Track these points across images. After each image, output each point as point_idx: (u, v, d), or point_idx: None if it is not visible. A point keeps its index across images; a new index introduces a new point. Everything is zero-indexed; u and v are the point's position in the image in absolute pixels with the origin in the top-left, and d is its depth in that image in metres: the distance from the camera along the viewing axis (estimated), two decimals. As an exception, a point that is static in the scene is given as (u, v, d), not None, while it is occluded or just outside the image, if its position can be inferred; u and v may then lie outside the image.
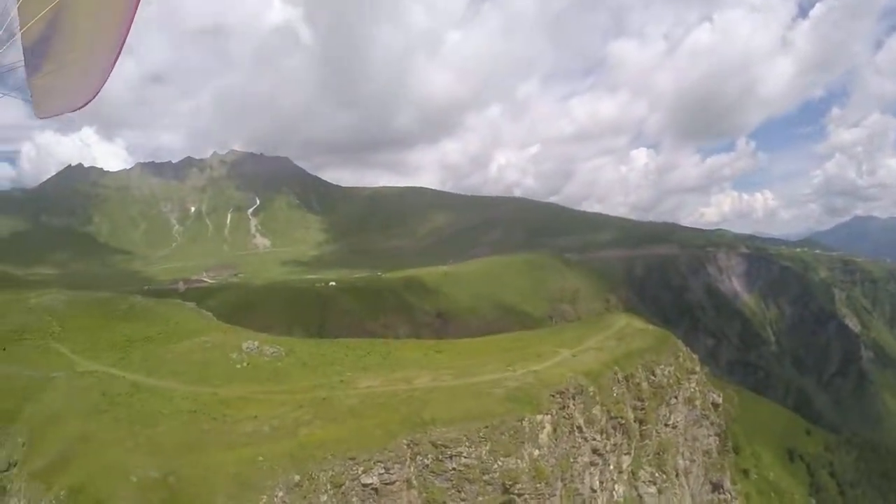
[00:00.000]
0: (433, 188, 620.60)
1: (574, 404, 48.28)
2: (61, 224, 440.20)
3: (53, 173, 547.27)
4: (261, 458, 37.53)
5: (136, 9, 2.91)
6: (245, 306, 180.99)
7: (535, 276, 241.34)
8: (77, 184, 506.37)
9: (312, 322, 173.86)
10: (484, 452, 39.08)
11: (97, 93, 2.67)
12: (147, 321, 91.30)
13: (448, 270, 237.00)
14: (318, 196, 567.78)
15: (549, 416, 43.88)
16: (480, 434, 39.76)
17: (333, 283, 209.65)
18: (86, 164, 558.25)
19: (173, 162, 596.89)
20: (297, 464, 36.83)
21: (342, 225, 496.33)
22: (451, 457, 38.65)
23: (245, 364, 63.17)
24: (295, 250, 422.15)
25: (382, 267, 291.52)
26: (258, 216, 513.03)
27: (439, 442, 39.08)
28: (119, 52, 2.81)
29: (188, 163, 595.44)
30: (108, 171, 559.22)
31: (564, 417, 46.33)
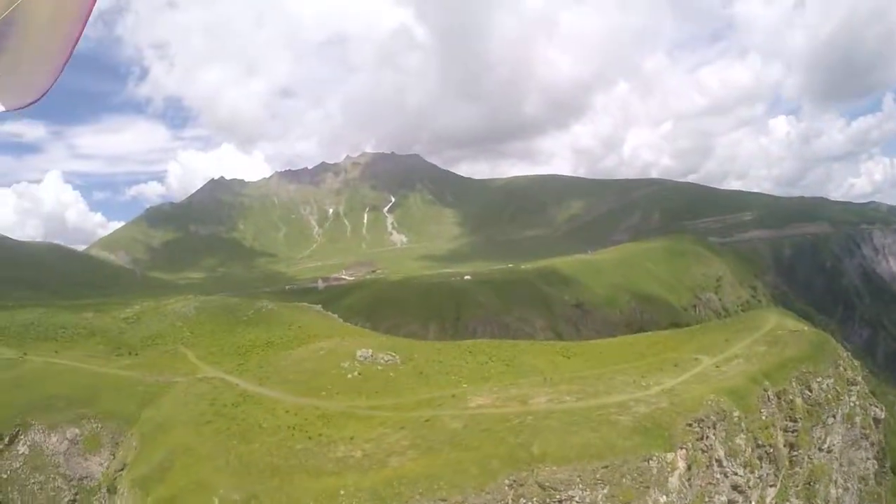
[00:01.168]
0: (567, 175, 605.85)
1: (714, 434, 40.00)
2: (209, 232, 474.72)
3: (199, 187, 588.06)
4: (342, 493, 33.60)
5: (91, 11, 3.16)
6: (381, 302, 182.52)
7: (676, 264, 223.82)
8: (221, 195, 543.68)
9: (448, 316, 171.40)
10: (600, 498, 32.18)
11: (45, 93, 3.08)
12: (271, 326, 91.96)
13: (586, 259, 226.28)
14: (452, 190, 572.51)
15: (683, 451, 36.21)
16: (598, 475, 32.89)
17: (468, 277, 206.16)
18: (228, 177, 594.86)
19: (309, 168, 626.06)
20: (380, 503, 32.49)
21: (477, 217, 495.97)
22: (559, 502, 32.29)
23: (356, 374, 60.25)
24: (431, 245, 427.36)
25: (518, 258, 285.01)
26: (394, 213, 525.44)
27: (547, 483, 32.63)
28: (71, 53, 3.13)
29: (323, 168, 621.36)
30: (249, 182, 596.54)
31: (701, 451, 38.19)
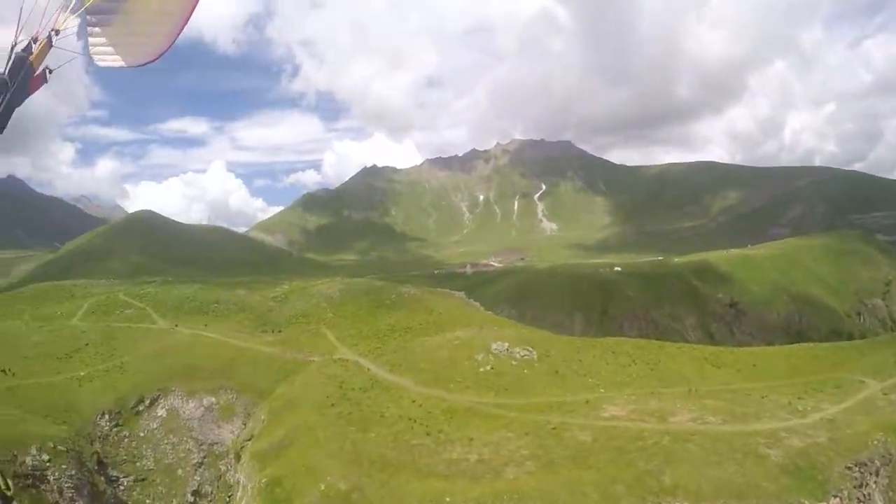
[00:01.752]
0: (723, 162, 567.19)
1: (876, 482, 31.90)
2: (361, 217, 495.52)
3: (352, 174, 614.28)
4: (447, 500, 30.28)
5: None
6: (528, 291, 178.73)
7: (840, 264, 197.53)
8: (374, 181, 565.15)
9: (594, 308, 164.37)
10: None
11: (160, 55, 3.27)
12: (411, 311, 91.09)
13: (743, 253, 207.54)
14: (603, 178, 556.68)
15: (837, 500, 28.84)
16: (734, 522, 26.99)
17: (618, 269, 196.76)
18: (380, 165, 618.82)
19: (459, 155, 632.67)
20: (485, 519, 28.73)
21: (628, 206, 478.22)
22: (684, 548, 26.63)
23: (489, 368, 56.90)
24: (581, 234, 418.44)
25: (671, 250, 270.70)
26: (544, 201, 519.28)
27: (674, 523, 27.35)
28: (187, 20, 3.31)
29: (473, 155, 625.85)
30: (400, 169, 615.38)
31: (858, 500, 30.37)
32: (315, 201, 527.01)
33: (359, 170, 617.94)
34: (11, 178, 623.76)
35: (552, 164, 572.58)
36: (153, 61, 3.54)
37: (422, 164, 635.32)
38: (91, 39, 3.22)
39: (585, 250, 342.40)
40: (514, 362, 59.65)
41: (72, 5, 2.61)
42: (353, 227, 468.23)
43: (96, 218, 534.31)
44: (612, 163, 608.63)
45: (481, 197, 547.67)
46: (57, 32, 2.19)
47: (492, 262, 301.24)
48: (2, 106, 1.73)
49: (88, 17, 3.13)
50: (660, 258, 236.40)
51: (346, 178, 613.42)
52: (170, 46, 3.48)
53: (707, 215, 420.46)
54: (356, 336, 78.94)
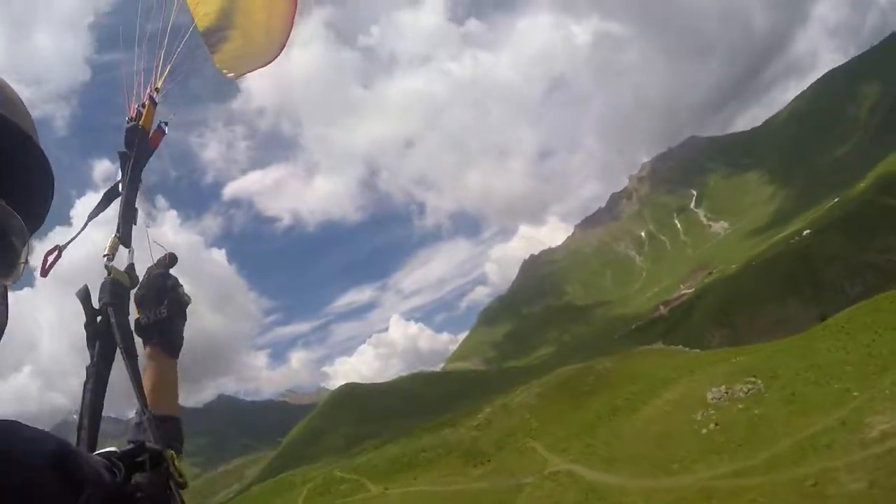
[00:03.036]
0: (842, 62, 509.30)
1: None
2: (541, 308, 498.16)
3: (516, 272, 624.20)
4: None
5: None
6: (732, 300, 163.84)
7: None
8: (538, 270, 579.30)
9: (803, 284, 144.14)
10: None
11: (282, 49, 3.48)
12: (613, 388, 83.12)
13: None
14: (744, 150, 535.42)
15: None
16: None
17: (807, 232, 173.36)
18: (536, 252, 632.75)
19: (602, 206, 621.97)
20: None
21: (781, 163, 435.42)
22: None
23: (711, 426, 48.21)
24: (752, 217, 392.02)
25: (849, 181, 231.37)
26: (701, 204, 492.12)
27: None
28: (291, 27, 3.49)
29: (614, 198, 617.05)
30: (556, 247, 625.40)
31: None
32: (493, 313, 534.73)
33: (520, 266, 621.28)
34: (222, 397, 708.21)
35: (690, 165, 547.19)
36: (276, 57, 3.68)
37: (573, 232, 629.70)
38: (216, 57, 3.33)
39: (765, 231, 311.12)
40: (739, 406, 50.16)
41: (162, 62, 2.70)
42: (538, 320, 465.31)
43: (306, 405, 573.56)
44: (742, 131, 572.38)
45: (642, 233, 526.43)
46: (157, 90, 2.32)
47: (683, 291, 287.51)
48: (129, 172, 1.95)
49: (207, 40, 3.28)
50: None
51: (513, 279, 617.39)
52: (289, 37, 3.62)
53: (858, 119, 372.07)
54: (564, 439, 72.20)
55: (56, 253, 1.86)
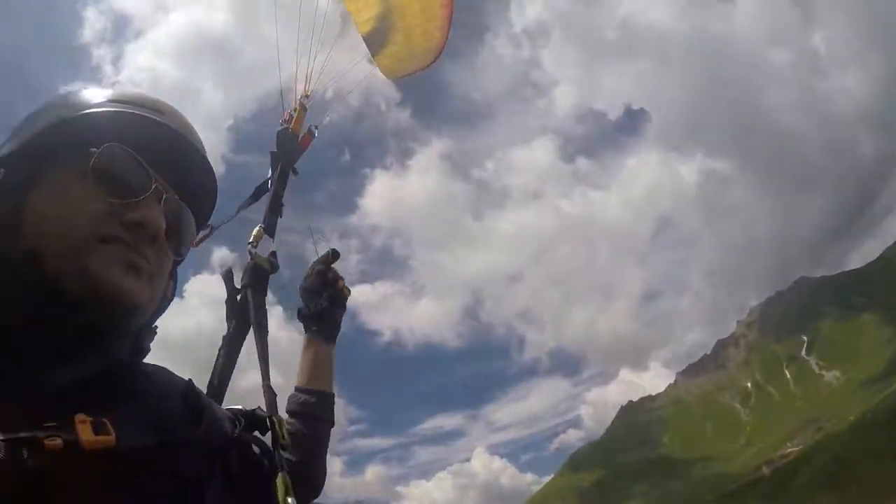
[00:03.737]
0: None
1: None
2: (636, 457, 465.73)
3: (612, 418, 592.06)
4: None
5: None
6: (839, 462, 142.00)
7: None
8: (636, 417, 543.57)
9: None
10: None
11: (440, 53, 3.66)
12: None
13: None
14: (859, 290, 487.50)
15: None
16: None
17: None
18: (635, 398, 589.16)
19: (707, 353, 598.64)
20: None
21: None
22: None
23: None
24: (867, 365, 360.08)
25: None
26: (813, 352, 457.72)
27: None
28: (452, 15, 3.63)
29: (720, 345, 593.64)
30: (657, 394, 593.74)
31: None
32: (583, 458, 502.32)
33: (617, 411, 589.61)
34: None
35: (801, 309, 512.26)
36: (435, 60, 3.83)
37: (675, 380, 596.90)
38: (377, 60, 3.57)
39: (882, 380, 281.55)
40: None
41: (312, 68, 2.90)
42: (630, 471, 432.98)
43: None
44: (855, 269, 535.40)
45: (749, 384, 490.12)
46: (307, 97, 2.65)
47: (789, 448, 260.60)
48: (278, 170, 2.22)
49: (368, 44, 3.51)
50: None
51: (608, 424, 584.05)
52: (446, 41, 3.72)
53: None
54: None
55: (209, 231, 2.11)
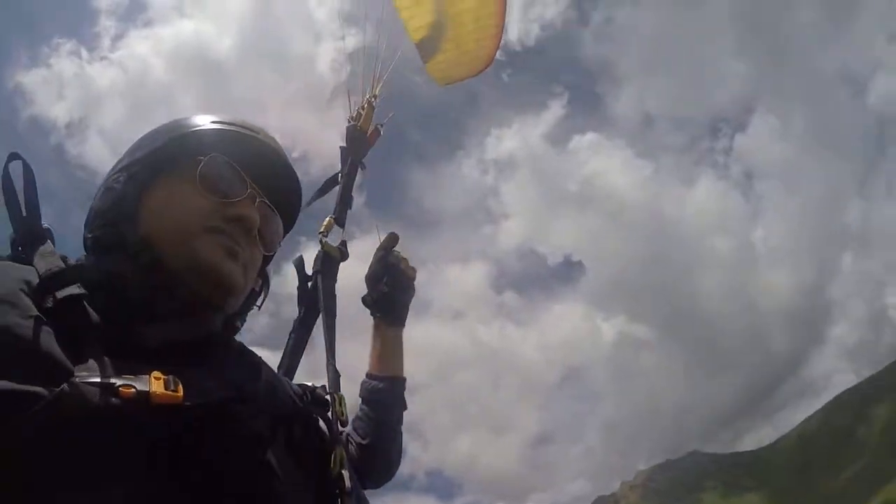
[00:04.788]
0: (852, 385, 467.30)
1: None
2: None
3: None
4: None
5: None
6: None
7: None
8: None
9: None
10: None
11: (492, 60, 3.75)
12: None
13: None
14: (746, 470, 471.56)
15: None
16: None
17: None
18: None
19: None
20: None
21: (783, 486, 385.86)
22: None
23: None
24: None
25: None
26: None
27: None
28: (504, 21, 3.74)
29: (600, 501, 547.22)
30: None
31: None
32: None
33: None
34: None
35: (687, 480, 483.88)
36: (486, 67, 3.89)
37: None
38: (428, 67, 3.67)
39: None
40: None
41: (380, 67, 3.06)
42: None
43: None
44: (747, 451, 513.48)
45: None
46: (375, 97, 2.69)
47: None
48: (348, 165, 2.41)
49: (420, 51, 3.60)
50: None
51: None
52: (498, 48, 3.80)
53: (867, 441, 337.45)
54: None
55: None
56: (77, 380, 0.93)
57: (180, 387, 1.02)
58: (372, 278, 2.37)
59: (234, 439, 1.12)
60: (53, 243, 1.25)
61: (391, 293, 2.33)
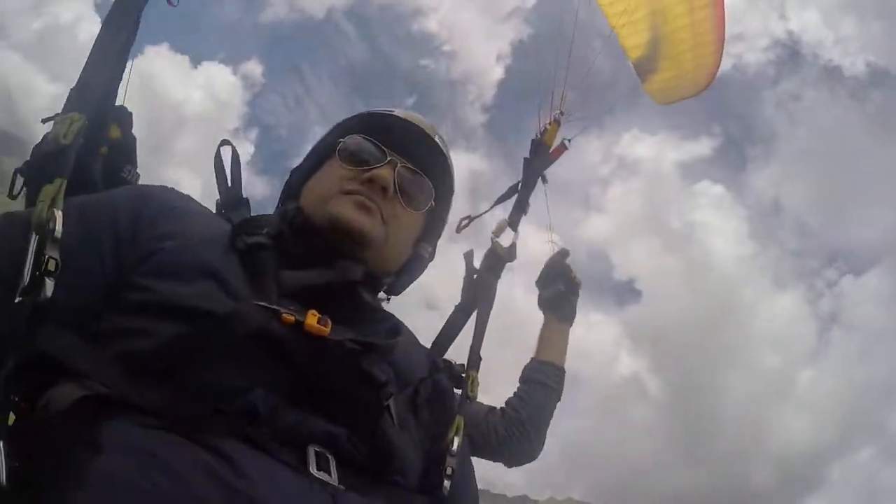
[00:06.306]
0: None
1: None
2: None
3: None
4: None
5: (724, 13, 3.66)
6: None
7: None
8: None
9: None
10: None
11: (713, 79, 3.59)
12: None
13: None
14: None
15: None
16: None
17: None
18: None
19: (508, 496, 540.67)
20: None
21: None
22: None
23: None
24: None
25: None
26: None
27: None
28: (724, 39, 3.58)
29: (521, 500, 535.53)
30: None
31: None
32: None
33: None
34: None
35: None
36: (707, 86, 3.77)
37: None
38: (645, 87, 3.66)
39: None
40: None
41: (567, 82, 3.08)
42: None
43: None
44: None
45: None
46: (562, 113, 2.81)
47: None
48: (528, 175, 2.57)
49: (638, 70, 3.57)
50: None
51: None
52: (718, 66, 3.69)
53: None
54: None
55: (468, 220, 2.53)
56: (254, 301, 1.20)
57: (329, 324, 1.20)
58: (547, 279, 2.79)
59: (364, 380, 1.27)
60: (249, 211, 1.54)
61: (566, 293, 2.76)
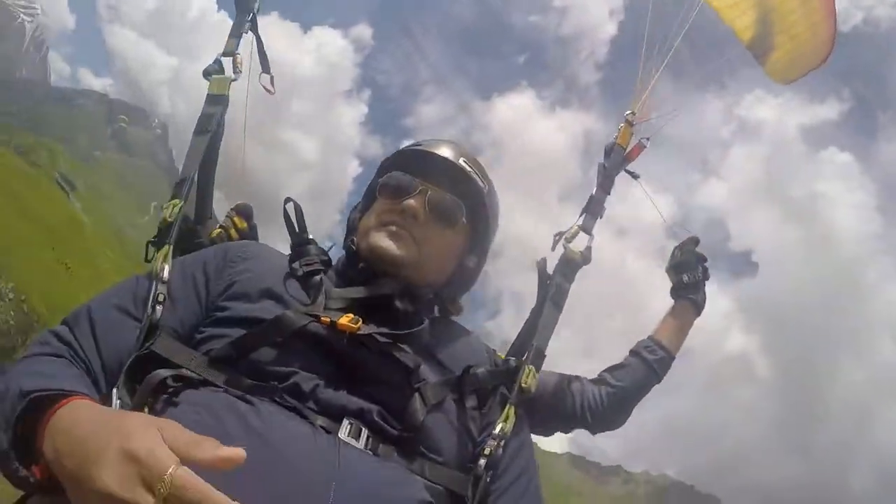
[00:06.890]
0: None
1: None
2: None
3: None
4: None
5: None
6: None
7: None
8: None
9: None
10: None
11: (833, 45, 3.40)
12: None
13: None
14: None
15: None
16: None
17: None
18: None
19: (602, 464, 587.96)
20: None
21: None
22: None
23: None
24: None
25: None
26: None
27: None
28: (834, 2, 3.38)
29: (614, 470, 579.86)
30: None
31: None
32: None
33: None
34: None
35: None
36: (827, 56, 3.53)
37: (563, 454, 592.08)
38: (765, 68, 3.47)
39: None
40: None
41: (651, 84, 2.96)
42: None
43: None
44: None
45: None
46: (633, 114, 2.75)
47: None
48: (603, 179, 2.63)
49: (753, 52, 3.34)
50: None
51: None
52: (835, 30, 3.45)
53: None
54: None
55: (558, 236, 2.44)
56: (300, 308, 1.57)
57: (360, 323, 1.53)
58: (685, 266, 2.78)
59: (385, 363, 1.56)
60: (316, 247, 1.90)
61: (701, 282, 2.74)
